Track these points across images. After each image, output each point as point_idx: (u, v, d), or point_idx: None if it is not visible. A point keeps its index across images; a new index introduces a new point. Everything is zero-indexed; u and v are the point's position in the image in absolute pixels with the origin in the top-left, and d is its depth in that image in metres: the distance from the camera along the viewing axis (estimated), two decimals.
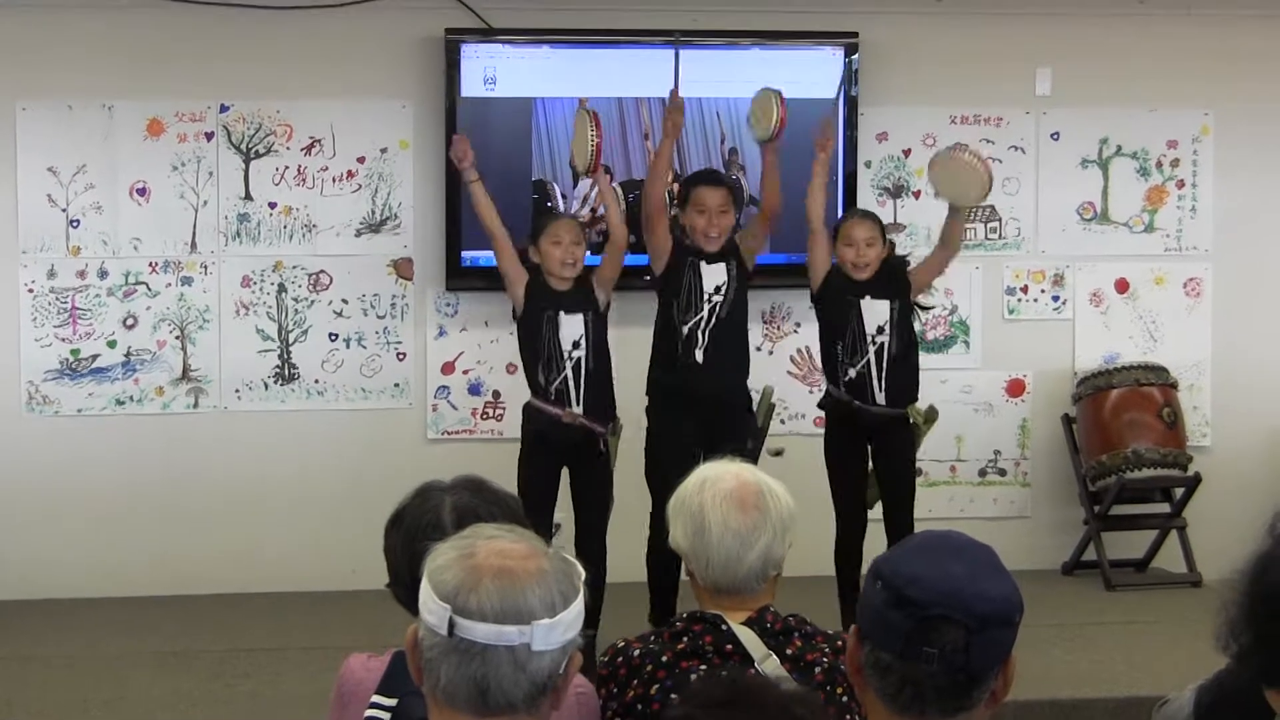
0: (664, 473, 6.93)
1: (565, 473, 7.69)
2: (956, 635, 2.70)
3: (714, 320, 7.68)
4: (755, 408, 7.81)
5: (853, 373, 7.74)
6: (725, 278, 7.71)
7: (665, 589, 7.60)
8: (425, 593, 2.63)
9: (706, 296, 7.68)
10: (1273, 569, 2.85)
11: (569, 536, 7.73)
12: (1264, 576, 2.85)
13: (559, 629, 2.60)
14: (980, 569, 2.77)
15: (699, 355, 7.67)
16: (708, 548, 3.78)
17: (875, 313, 7.74)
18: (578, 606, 2.64)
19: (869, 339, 7.72)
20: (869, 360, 7.72)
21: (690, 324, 7.68)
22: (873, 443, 7.82)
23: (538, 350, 7.59)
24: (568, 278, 7.59)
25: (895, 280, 7.82)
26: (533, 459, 7.60)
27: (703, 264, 7.71)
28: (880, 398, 7.74)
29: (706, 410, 7.53)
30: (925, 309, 8.22)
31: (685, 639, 3.76)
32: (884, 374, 7.73)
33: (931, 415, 7.91)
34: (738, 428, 7.59)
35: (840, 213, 8.89)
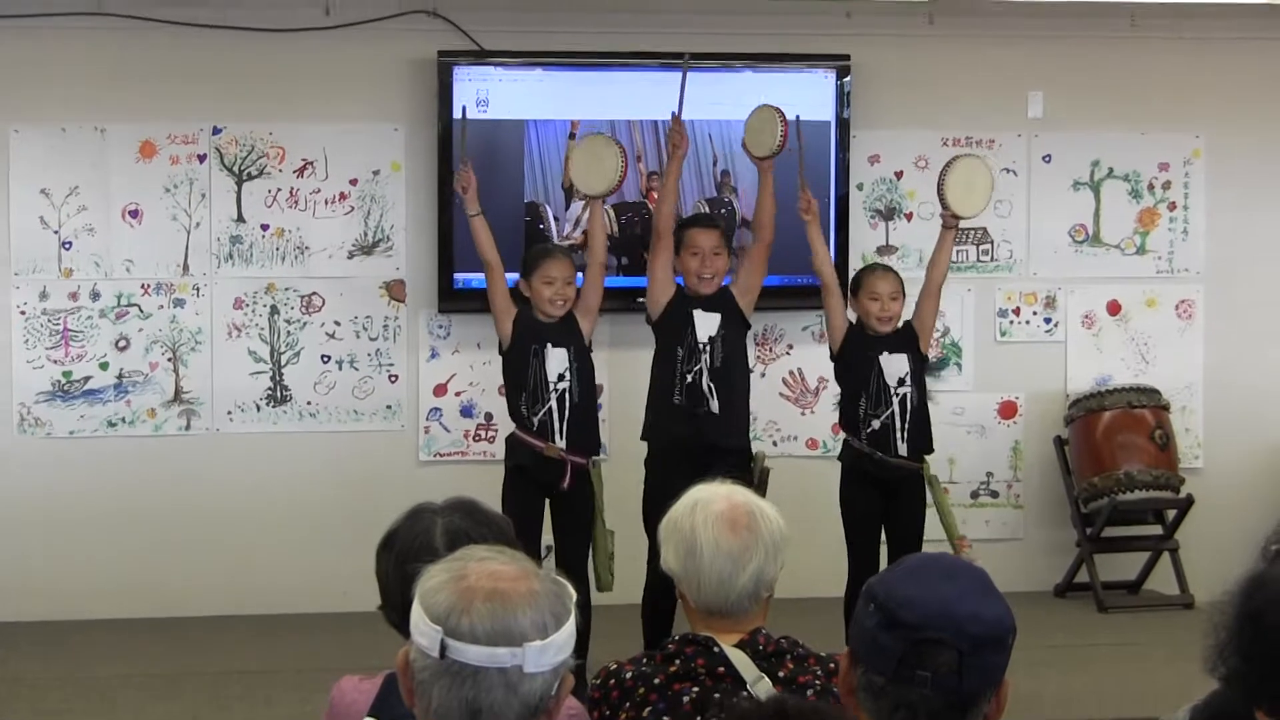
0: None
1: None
2: (949, 658, 2.69)
3: (710, 369, 7.66)
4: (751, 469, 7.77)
5: (876, 424, 7.74)
6: (717, 328, 7.70)
7: (659, 637, 7.53)
8: (417, 614, 2.62)
9: (701, 345, 7.68)
10: (1260, 590, 2.86)
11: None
12: (1252, 598, 2.86)
13: (551, 650, 2.59)
14: (973, 591, 2.76)
15: (696, 404, 7.65)
16: (699, 569, 3.78)
17: (895, 366, 7.77)
18: (569, 628, 2.63)
19: (892, 391, 7.74)
20: (893, 411, 7.74)
21: (687, 372, 7.66)
22: (888, 501, 7.79)
23: (523, 383, 7.60)
24: (556, 315, 7.60)
25: (909, 334, 7.86)
26: (515, 492, 7.59)
27: (697, 312, 7.70)
28: (902, 448, 7.74)
29: (706, 458, 7.29)
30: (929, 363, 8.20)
31: (677, 661, 3.75)
32: (906, 425, 7.74)
33: (933, 481, 7.90)
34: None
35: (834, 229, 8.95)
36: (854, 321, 7.89)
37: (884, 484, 7.75)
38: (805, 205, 7.91)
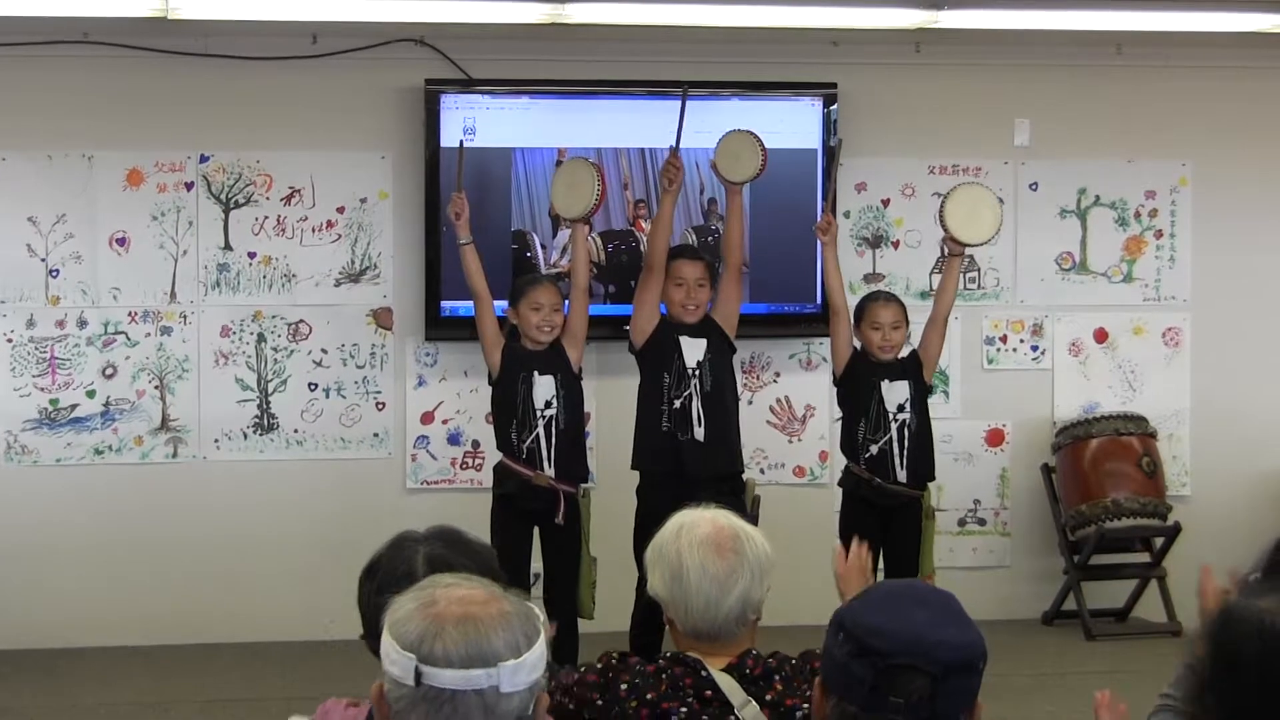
0: None
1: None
2: (921, 684, 2.70)
3: (702, 393, 7.68)
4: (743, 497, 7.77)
5: (875, 449, 7.77)
6: (704, 353, 7.71)
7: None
8: (388, 645, 2.64)
9: (690, 370, 7.69)
10: (1231, 625, 2.84)
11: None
12: (1224, 630, 2.84)
13: (525, 670, 2.62)
14: (942, 617, 2.77)
15: (686, 431, 7.66)
16: (686, 593, 3.78)
17: (895, 392, 7.79)
18: (540, 646, 2.66)
19: (891, 417, 7.76)
20: (891, 437, 7.75)
21: (675, 398, 7.67)
22: (886, 528, 7.80)
23: (512, 410, 7.60)
24: (544, 342, 7.61)
25: (913, 362, 7.90)
26: (503, 523, 7.60)
27: (683, 337, 7.72)
28: (901, 475, 7.76)
29: (696, 485, 7.14)
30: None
31: (665, 677, 3.77)
32: (905, 451, 7.76)
33: (929, 513, 7.92)
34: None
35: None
36: (858, 348, 7.90)
37: (883, 510, 7.77)
38: (825, 225, 7.93)
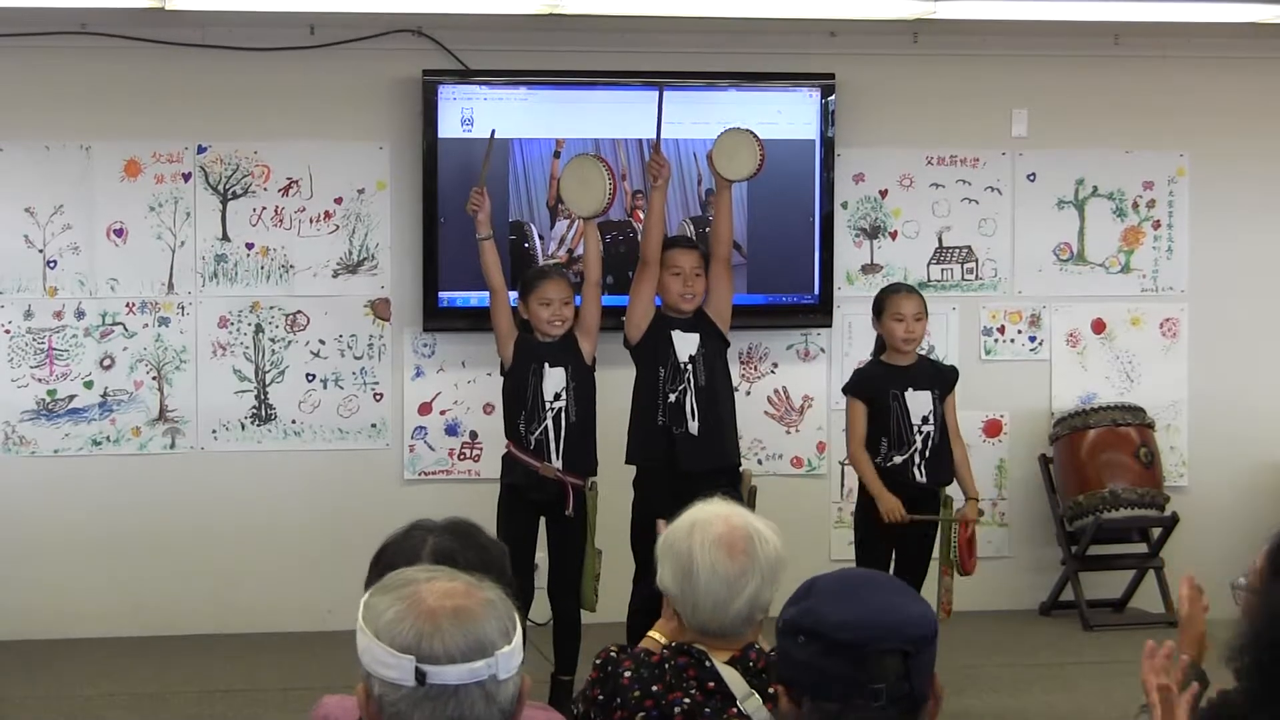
0: (650, 543, 6.90)
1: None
2: (896, 664, 2.75)
3: (696, 388, 7.68)
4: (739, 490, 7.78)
5: (898, 459, 7.77)
6: (697, 348, 7.71)
7: None
8: (377, 649, 2.63)
9: (684, 365, 7.70)
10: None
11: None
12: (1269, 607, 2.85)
13: (516, 654, 2.66)
14: (895, 595, 2.85)
15: (681, 425, 7.67)
16: (695, 592, 3.79)
17: (919, 403, 7.78)
18: (519, 628, 2.69)
19: (915, 429, 7.77)
20: (915, 449, 7.76)
21: (670, 392, 7.68)
22: (902, 526, 7.81)
23: (521, 402, 7.64)
24: (555, 336, 7.63)
25: (938, 373, 7.95)
26: (510, 512, 7.65)
27: (676, 332, 7.72)
28: (920, 478, 7.78)
29: (691, 480, 7.21)
30: None
31: (668, 667, 3.77)
32: (927, 461, 7.77)
33: (946, 500, 7.95)
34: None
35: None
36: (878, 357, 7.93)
37: (901, 501, 7.76)
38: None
